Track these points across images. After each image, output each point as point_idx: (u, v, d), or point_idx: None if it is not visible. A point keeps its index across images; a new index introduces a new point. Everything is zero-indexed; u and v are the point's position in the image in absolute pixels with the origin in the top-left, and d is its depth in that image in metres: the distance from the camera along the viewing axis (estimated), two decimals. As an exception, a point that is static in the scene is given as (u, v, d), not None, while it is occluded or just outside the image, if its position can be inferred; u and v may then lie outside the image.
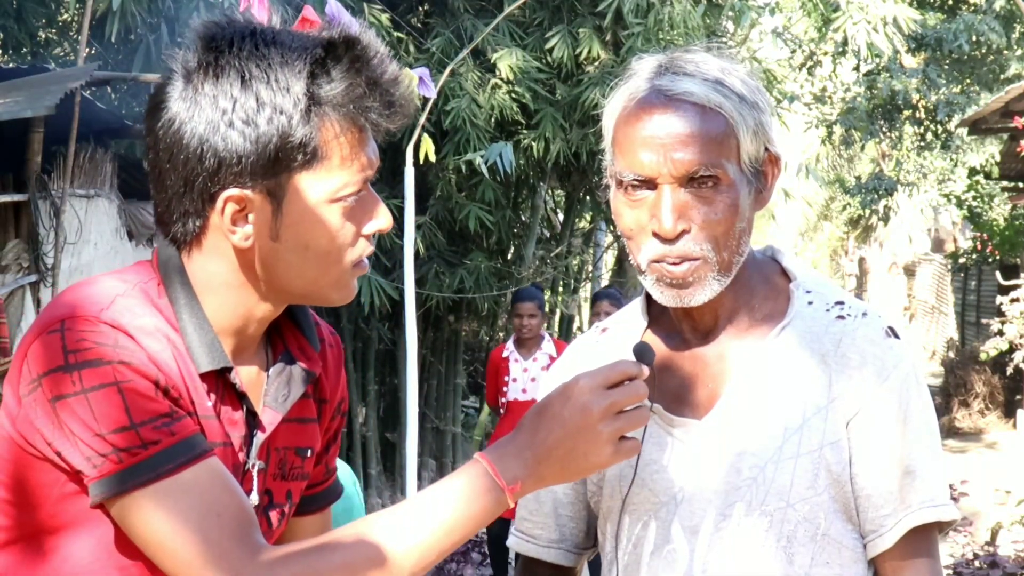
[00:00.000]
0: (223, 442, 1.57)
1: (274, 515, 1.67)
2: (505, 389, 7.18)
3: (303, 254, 1.54)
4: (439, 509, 1.51)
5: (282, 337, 1.68)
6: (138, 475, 1.46)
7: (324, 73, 1.51)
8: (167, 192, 1.54)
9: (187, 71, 1.52)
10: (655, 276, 1.75)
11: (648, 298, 1.87)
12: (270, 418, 1.63)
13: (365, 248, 1.59)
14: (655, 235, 1.72)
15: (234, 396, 1.59)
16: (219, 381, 1.58)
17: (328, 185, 1.52)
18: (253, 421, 1.62)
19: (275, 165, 1.50)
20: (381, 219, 1.58)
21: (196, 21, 1.56)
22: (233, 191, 1.51)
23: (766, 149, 1.77)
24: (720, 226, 1.72)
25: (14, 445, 1.52)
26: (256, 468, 1.62)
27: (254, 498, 1.62)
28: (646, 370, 1.57)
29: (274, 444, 1.65)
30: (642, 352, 1.62)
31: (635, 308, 1.92)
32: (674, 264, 1.73)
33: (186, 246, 1.57)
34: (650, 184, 1.72)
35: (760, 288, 1.84)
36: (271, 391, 1.64)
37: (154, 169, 1.55)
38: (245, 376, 1.62)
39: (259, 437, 1.62)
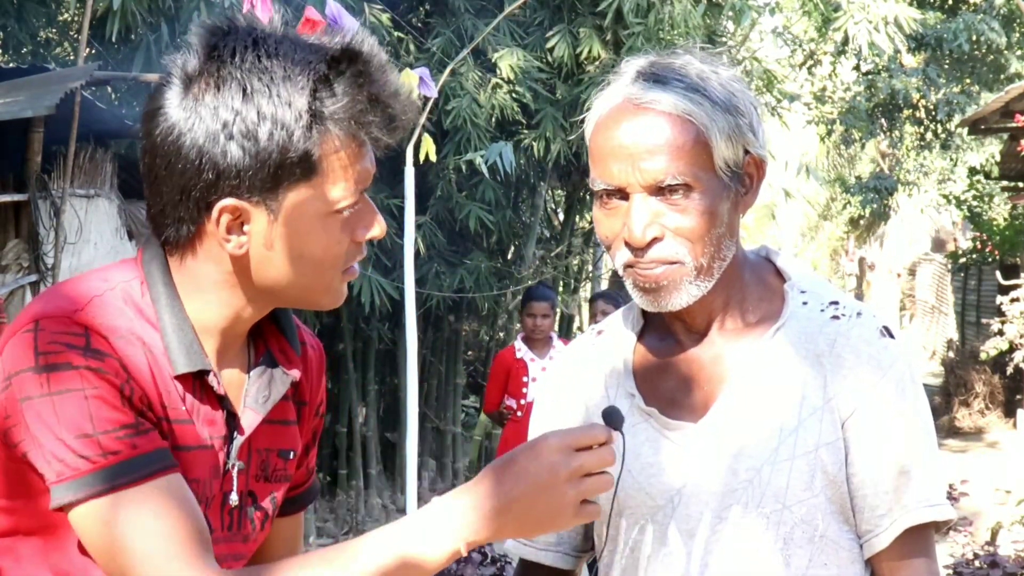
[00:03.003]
0: (199, 445, 1.57)
1: (257, 517, 1.67)
2: (524, 391, 7.06)
3: (297, 263, 1.55)
4: (393, 549, 1.47)
5: (264, 340, 1.68)
6: (94, 484, 1.45)
7: (327, 88, 1.50)
8: (162, 197, 1.54)
9: (187, 77, 1.51)
10: (631, 281, 1.76)
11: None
12: (250, 419, 1.63)
13: (357, 254, 1.60)
14: (627, 243, 1.74)
15: (213, 397, 1.59)
16: (197, 382, 1.58)
17: (325, 199, 1.52)
18: (233, 422, 1.62)
19: (274, 179, 1.50)
20: (375, 228, 1.59)
21: (197, 24, 1.55)
22: (229, 201, 1.50)
23: (747, 152, 1.77)
24: (694, 232, 1.72)
25: None
26: (236, 469, 1.62)
27: (234, 499, 1.62)
28: (616, 435, 1.53)
29: (256, 445, 1.65)
30: (611, 415, 1.58)
31: (630, 311, 1.92)
32: (647, 268, 1.73)
33: (177, 250, 1.57)
34: (622, 193, 1.73)
35: (754, 289, 1.85)
36: (252, 392, 1.64)
37: (150, 173, 1.55)
38: (227, 377, 1.62)
39: (239, 439, 1.62)
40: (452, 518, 1.47)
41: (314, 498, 1.84)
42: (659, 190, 1.72)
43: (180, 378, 1.55)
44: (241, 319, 1.61)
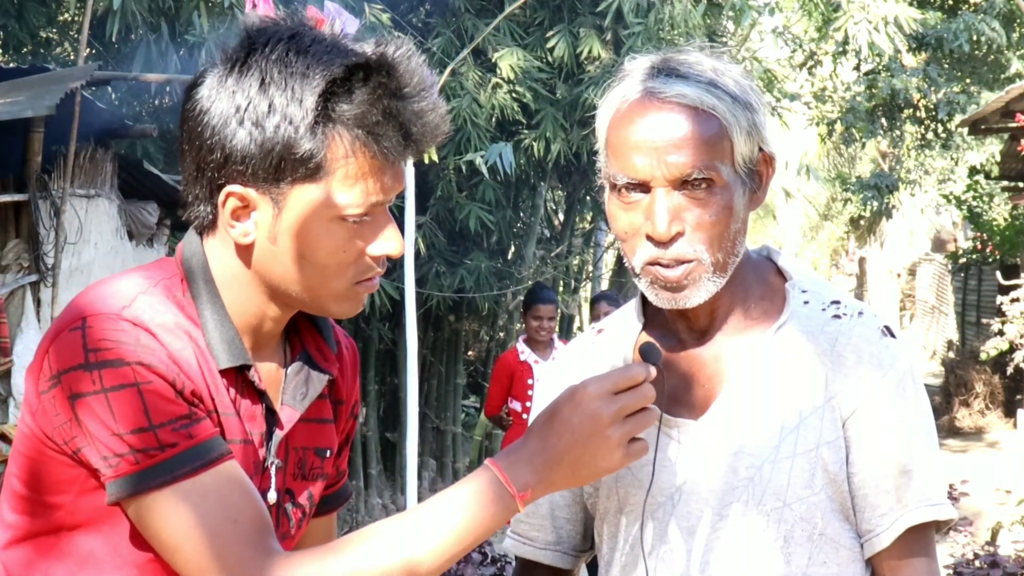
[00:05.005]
0: (243, 439, 1.58)
1: (295, 514, 1.68)
2: (530, 393, 7.04)
3: (299, 263, 1.55)
4: (450, 516, 1.51)
5: (300, 337, 1.69)
6: (155, 477, 1.47)
7: (344, 92, 1.51)
8: (186, 174, 1.58)
9: (224, 58, 1.55)
10: (649, 279, 1.75)
11: (644, 299, 1.87)
12: (288, 416, 1.64)
13: (371, 268, 1.59)
14: (649, 238, 1.73)
15: (253, 393, 1.61)
16: (239, 378, 1.59)
17: (331, 201, 1.53)
18: (272, 418, 1.63)
19: (278, 172, 1.51)
20: (390, 244, 1.58)
21: (251, 14, 1.57)
22: (235, 187, 1.53)
23: (760, 149, 1.77)
24: (715, 228, 1.71)
25: (35, 441, 1.53)
26: (275, 466, 1.63)
27: (272, 496, 1.63)
28: (653, 371, 1.58)
29: (293, 444, 1.66)
30: (648, 352, 1.64)
31: (631, 309, 1.92)
32: (668, 267, 1.72)
33: (204, 233, 1.60)
34: (644, 187, 1.72)
35: (756, 288, 1.84)
36: (289, 389, 1.65)
37: (179, 147, 1.59)
38: (264, 373, 1.64)
39: (278, 434, 1.63)
40: (506, 479, 1.52)
41: (346, 499, 1.86)
42: (682, 184, 1.71)
43: (223, 373, 1.57)
44: (267, 318, 1.62)
